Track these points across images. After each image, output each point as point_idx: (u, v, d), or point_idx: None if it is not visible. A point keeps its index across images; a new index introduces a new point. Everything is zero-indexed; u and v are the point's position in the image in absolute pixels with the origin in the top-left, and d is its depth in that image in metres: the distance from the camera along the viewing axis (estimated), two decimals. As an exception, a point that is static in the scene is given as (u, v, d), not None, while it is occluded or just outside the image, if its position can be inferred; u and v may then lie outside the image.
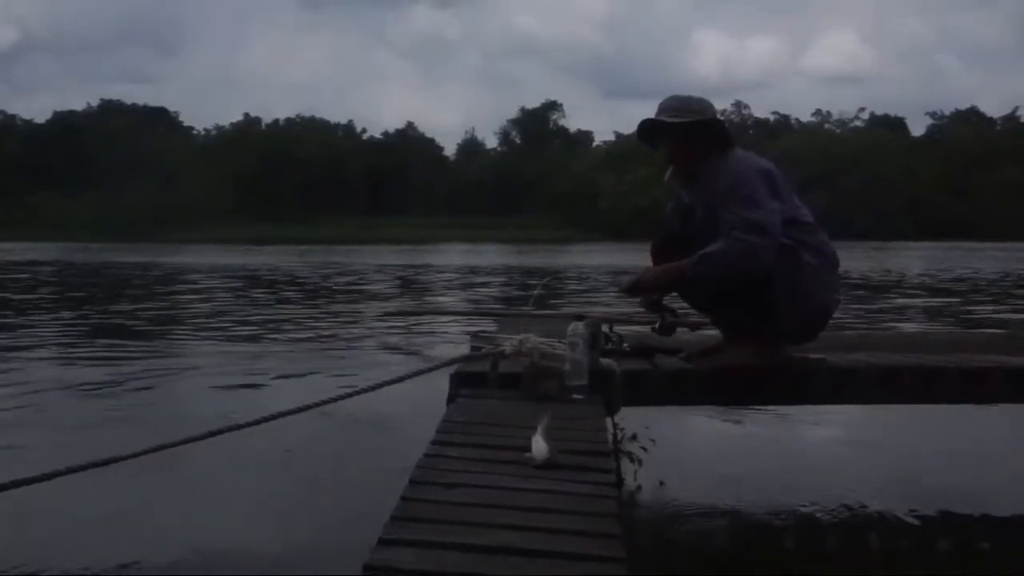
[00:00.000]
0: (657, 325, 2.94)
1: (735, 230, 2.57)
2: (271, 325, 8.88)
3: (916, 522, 2.93)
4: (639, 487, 3.15)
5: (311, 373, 5.75)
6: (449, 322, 8.74)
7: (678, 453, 3.70)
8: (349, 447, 3.80)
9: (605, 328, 2.99)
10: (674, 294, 2.89)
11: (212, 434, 2.48)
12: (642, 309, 3.02)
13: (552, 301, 11.64)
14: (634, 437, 3.36)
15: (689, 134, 2.76)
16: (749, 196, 2.60)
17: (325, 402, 2.64)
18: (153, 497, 3.05)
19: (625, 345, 2.97)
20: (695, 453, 3.81)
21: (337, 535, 2.67)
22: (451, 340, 7.22)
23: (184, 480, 3.22)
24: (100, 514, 2.87)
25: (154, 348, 7.12)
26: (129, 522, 2.82)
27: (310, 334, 8.07)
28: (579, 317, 2.57)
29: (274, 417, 2.57)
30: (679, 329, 3.05)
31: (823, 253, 2.78)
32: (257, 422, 2.53)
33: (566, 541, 1.41)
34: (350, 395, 2.66)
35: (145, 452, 2.43)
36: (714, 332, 3.16)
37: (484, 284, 16.27)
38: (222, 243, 44.53)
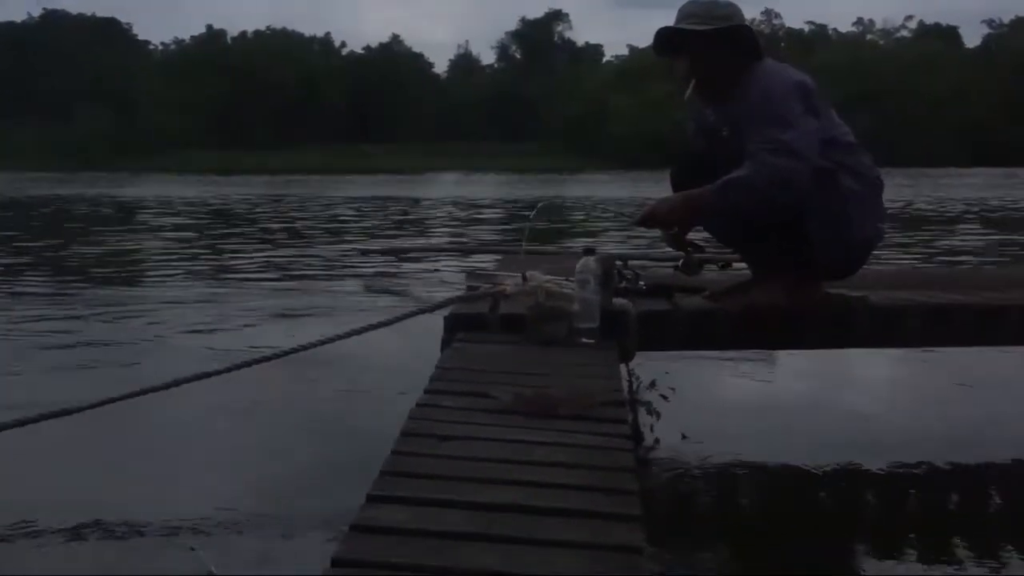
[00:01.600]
0: (680, 263, 2.93)
1: (763, 152, 2.53)
2: (240, 264, 8.88)
3: (966, 485, 2.95)
4: (657, 441, 3.16)
5: (286, 317, 5.77)
6: (442, 260, 8.74)
7: (701, 404, 3.71)
8: (332, 397, 3.83)
9: (619, 264, 2.97)
10: (699, 228, 2.87)
11: (178, 383, 2.49)
12: (662, 243, 2.99)
13: (558, 236, 11.62)
14: (652, 385, 3.38)
15: (713, 44, 2.70)
16: (781, 114, 2.56)
17: (304, 347, 2.63)
18: (114, 452, 3.08)
19: (641, 283, 2.95)
20: (720, 404, 3.83)
21: (320, 493, 2.70)
22: (444, 279, 7.23)
23: (147, 434, 3.24)
24: (55, 472, 2.90)
25: (107, 291, 7.12)
26: (87, 480, 2.85)
27: (284, 274, 8.08)
28: (589, 251, 2.55)
29: (246, 364, 2.57)
30: (707, 267, 3.03)
31: (865, 177, 2.75)
32: (227, 370, 2.53)
33: (577, 498, 1.41)
34: (331, 340, 2.65)
35: (103, 403, 2.43)
36: (744, 269, 3.15)
37: (480, 218, 16.23)
38: (185, 173, 44.35)
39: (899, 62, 73.50)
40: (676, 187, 2.86)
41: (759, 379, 4.18)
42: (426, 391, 2.00)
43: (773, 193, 2.56)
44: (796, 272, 2.78)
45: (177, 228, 13.97)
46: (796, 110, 2.59)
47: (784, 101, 2.59)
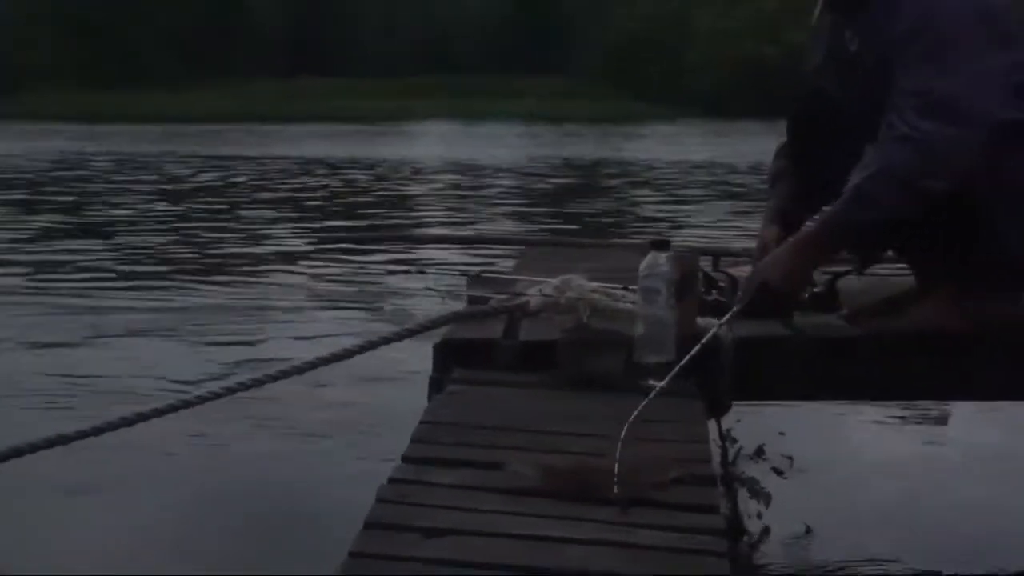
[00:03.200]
0: (808, 297, 2.95)
1: (909, 109, 2.54)
2: (130, 260, 8.96)
3: None
4: (766, 536, 3.16)
5: (188, 342, 5.81)
6: (429, 255, 8.75)
7: (834, 482, 3.71)
8: (260, 466, 3.85)
9: (705, 265, 3.01)
10: None
11: (46, 446, 2.48)
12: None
13: (607, 221, 11.63)
14: (758, 453, 3.38)
15: None
16: (947, 46, 2.59)
17: (228, 392, 2.62)
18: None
19: (740, 295, 2.93)
20: (862, 482, 3.80)
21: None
22: (433, 287, 7.22)
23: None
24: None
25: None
26: None
27: (198, 276, 8.13)
28: (660, 245, 2.56)
29: (144, 418, 2.56)
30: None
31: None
32: (113, 426, 2.51)
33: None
34: (265, 381, 2.65)
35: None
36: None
37: (486, 190, 16.26)
38: (49, 120, 44.66)
39: None
40: (795, 143, 2.91)
41: (922, 445, 4.17)
42: (404, 459, 1.99)
43: (924, 184, 2.57)
44: (975, 281, 2.78)
45: (31, 201, 14.09)
46: (972, 40, 2.61)
47: (955, 26, 2.61)
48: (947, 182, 2.57)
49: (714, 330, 2.53)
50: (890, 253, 3.13)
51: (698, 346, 2.42)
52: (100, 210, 13.30)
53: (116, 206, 13.65)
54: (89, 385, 4.88)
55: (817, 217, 2.68)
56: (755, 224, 3.00)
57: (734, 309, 2.70)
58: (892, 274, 3.51)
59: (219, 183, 17.51)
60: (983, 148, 2.56)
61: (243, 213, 13.11)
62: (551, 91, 67.23)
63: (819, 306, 2.93)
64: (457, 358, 2.62)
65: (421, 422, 2.23)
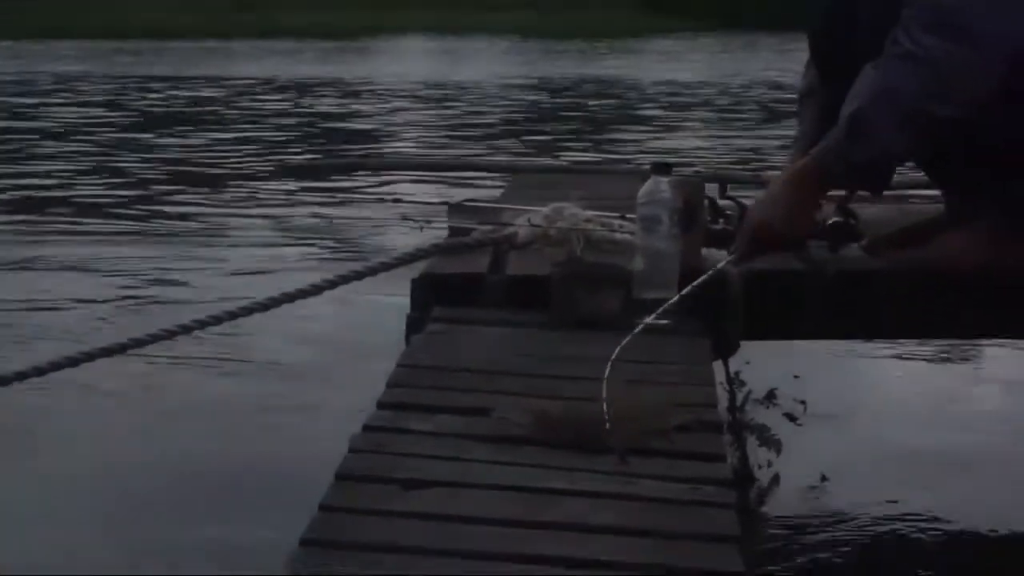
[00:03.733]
0: (824, 227, 2.86)
1: (913, 27, 2.49)
2: (71, 187, 8.93)
3: None
4: (776, 486, 3.18)
5: (154, 279, 5.81)
6: (405, 183, 8.71)
7: (851, 427, 3.73)
8: (227, 414, 3.86)
9: (711, 192, 2.97)
10: None
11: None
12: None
13: (603, 145, 11.58)
14: (769, 397, 3.38)
15: None
16: None
17: (183, 330, 2.63)
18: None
19: (737, 239, 2.92)
20: (883, 428, 3.82)
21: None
22: (410, 215, 7.18)
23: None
24: None
25: None
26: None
27: (149, 208, 8.12)
28: (661, 168, 2.55)
29: (91, 357, 2.56)
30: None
31: None
32: (57, 365, 2.52)
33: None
34: (224, 319, 2.66)
35: None
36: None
37: (470, 112, 16.19)
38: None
39: None
40: (817, 59, 2.87)
41: (948, 387, 4.19)
42: (380, 405, 2.00)
43: (922, 102, 2.51)
44: (1013, 208, 2.76)
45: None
46: None
47: None
48: (954, 108, 2.51)
49: (717, 267, 2.53)
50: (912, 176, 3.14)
51: (697, 281, 2.42)
52: (26, 137, 13.19)
53: (41, 132, 13.53)
54: (30, 321, 4.89)
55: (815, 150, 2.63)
56: (764, 145, 2.98)
57: (729, 257, 2.67)
58: (914, 201, 3.51)
59: (165, 107, 17.31)
60: (996, 73, 2.51)
61: (194, 140, 12.95)
62: (550, 3, 66.50)
63: (840, 237, 2.90)
64: (438, 295, 2.62)
65: (398, 365, 2.24)
